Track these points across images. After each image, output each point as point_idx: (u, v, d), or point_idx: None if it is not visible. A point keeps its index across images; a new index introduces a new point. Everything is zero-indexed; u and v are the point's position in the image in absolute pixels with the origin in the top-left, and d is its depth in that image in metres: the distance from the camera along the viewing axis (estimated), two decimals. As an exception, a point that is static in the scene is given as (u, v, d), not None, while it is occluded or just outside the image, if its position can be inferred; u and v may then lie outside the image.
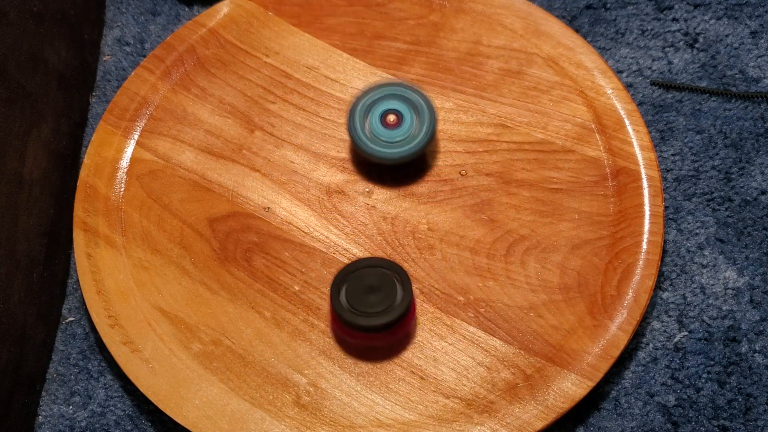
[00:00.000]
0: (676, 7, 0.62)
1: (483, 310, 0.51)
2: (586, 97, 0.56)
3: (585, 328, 0.50)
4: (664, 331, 0.53)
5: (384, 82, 0.53)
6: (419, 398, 0.49)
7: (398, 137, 0.52)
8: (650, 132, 0.58)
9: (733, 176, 0.56)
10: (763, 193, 0.56)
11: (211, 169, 0.55)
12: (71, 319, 0.55)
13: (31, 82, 0.53)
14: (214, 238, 0.53)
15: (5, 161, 0.49)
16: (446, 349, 0.50)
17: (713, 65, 0.60)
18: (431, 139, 0.52)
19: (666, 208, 0.56)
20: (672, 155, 0.57)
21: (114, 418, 0.52)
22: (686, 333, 0.52)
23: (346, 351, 0.49)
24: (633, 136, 0.54)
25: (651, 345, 0.52)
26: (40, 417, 0.52)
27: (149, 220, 0.54)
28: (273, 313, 0.51)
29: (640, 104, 0.59)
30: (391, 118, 0.52)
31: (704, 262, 0.54)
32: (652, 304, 0.53)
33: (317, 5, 0.60)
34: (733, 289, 0.53)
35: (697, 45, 0.61)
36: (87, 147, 0.58)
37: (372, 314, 0.46)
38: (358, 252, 0.53)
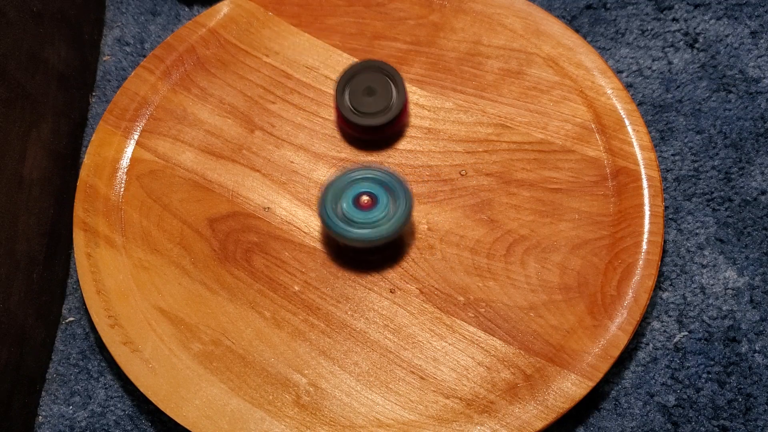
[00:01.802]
0: (676, 7, 0.62)
1: (483, 310, 0.51)
2: (586, 97, 0.56)
3: (585, 328, 0.50)
4: (664, 331, 0.53)
5: (356, 166, 0.51)
6: (419, 398, 0.49)
7: (373, 218, 0.49)
8: (650, 132, 0.58)
9: (733, 176, 0.56)
10: (763, 193, 0.56)
11: (211, 169, 0.55)
12: (71, 319, 0.55)
13: (31, 82, 0.53)
14: (214, 238, 0.53)
15: (5, 161, 0.49)
16: (446, 349, 0.50)
17: (713, 65, 0.60)
18: (408, 217, 0.49)
19: (666, 208, 0.56)
20: (672, 155, 0.57)
21: (114, 418, 0.52)
22: (686, 333, 0.52)
23: (349, 143, 0.55)
24: (633, 136, 0.54)
25: (651, 345, 0.52)
26: (40, 417, 0.52)
27: (149, 220, 0.54)
28: (273, 313, 0.51)
29: (640, 104, 0.59)
30: (365, 199, 0.49)
31: (704, 262, 0.54)
32: (652, 304, 0.53)
33: (317, 5, 0.60)
34: (733, 289, 0.53)
35: (697, 45, 0.61)
36: (87, 147, 0.58)
37: (372, 114, 0.53)
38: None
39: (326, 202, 0.49)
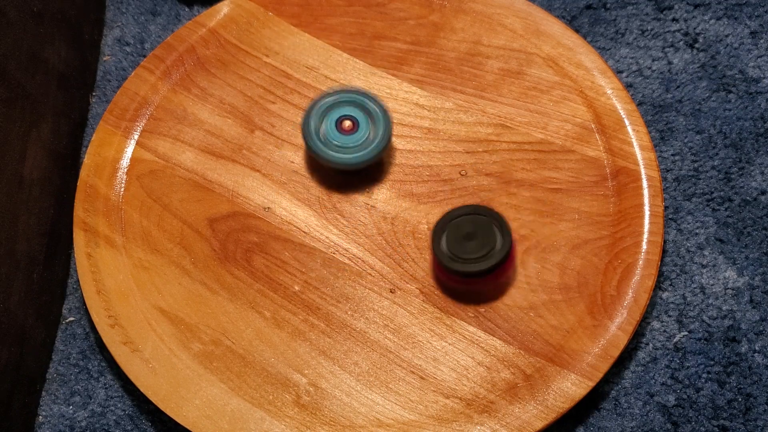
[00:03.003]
0: (676, 7, 0.62)
1: (483, 310, 0.51)
2: (586, 97, 0.56)
3: (585, 328, 0.50)
4: (664, 331, 0.53)
5: (339, 88, 0.53)
6: (419, 398, 0.49)
7: (351, 143, 0.52)
8: (650, 132, 0.58)
9: (733, 176, 0.56)
10: (763, 193, 0.56)
11: (211, 169, 0.55)
12: (71, 319, 0.55)
13: (31, 82, 0.53)
14: (214, 238, 0.53)
15: (5, 161, 0.50)
16: (446, 349, 0.50)
17: (713, 65, 0.60)
18: (386, 145, 0.52)
19: (666, 208, 0.56)
20: (672, 155, 0.57)
21: (114, 418, 0.52)
22: (686, 333, 0.52)
23: (446, 294, 0.51)
24: (633, 136, 0.54)
25: (651, 345, 0.52)
26: (40, 417, 0.52)
27: (149, 220, 0.54)
28: (273, 313, 0.51)
29: (640, 104, 0.59)
30: (347, 123, 0.52)
31: (704, 262, 0.54)
32: (652, 304, 0.53)
33: (317, 5, 0.60)
34: (733, 289, 0.53)
35: (697, 45, 0.61)
36: (87, 147, 0.58)
37: (472, 260, 0.48)
38: (358, 252, 0.53)
39: (309, 124, 0.52)
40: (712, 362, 0.51)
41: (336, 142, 0.52)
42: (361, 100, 0.52)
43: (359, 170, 0.54)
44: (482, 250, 0.48)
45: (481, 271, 0.48)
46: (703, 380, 0.51)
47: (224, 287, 0.52)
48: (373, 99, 0.52)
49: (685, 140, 0.58)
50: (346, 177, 0.55)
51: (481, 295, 0.51)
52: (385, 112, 0.52)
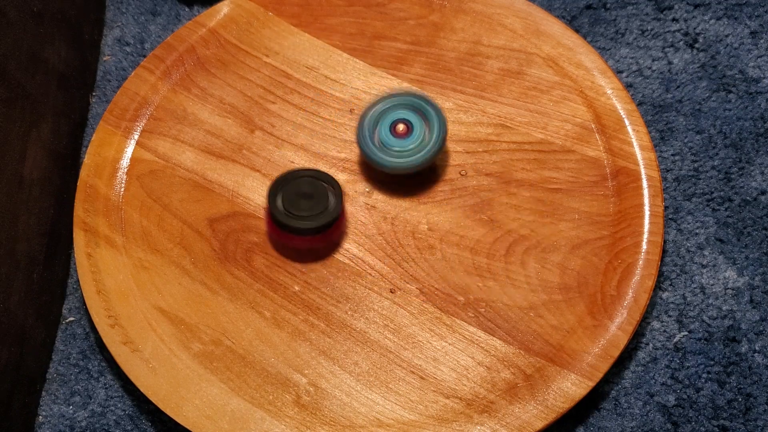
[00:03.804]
0: (676, 7, 0.62)
1: (483, 310, 0.51)
2: (586, 97, 0.56)
3: (585, 328, 0.50)
4: (664, 331, 0.53)
5: (393, 92, 0.53)
6: (419, 398, 0.49)
7: (408, 146, 0.51)
8: (650, 132, 0.58)
9: (733, 176, 0.56)
10: (763, 193, 0.56)
11: (211, 169, 0.55)
12: (71, 319, 0.55)
13: (31, 82, 0.53)
14: (214, 238, 0.53)
15: (5, 161, 0.50)
16: (446, 349, 0.50)
17: (713, 65, 0.60)
18: (441, 147, 0.52)
19: (666, 208, 0.56)
20: (672, 155, 0.57)
21: (114, 418, 0.52)
22: (686, 333, 0.52)
23: (282, 254, 0.52)
24: (633, 136, 0.54)
25: (651, 345, 0.52)
26: (40, 417, 0.52)
27: (149, 220, 0.54)
28: (273, 313, 0.51)
29: (640, 104, 0.59)
30: (401, 127, 0.51)
31: (704, 262, 0.54)
32: (652, 304, 0.53)
33: (317, 5, 0.60)
34: (733, 289, 0.53)
35: (697, 45, 0.61)
36: (87, 147, 0.58)
37: (305, 218, 0.50)
38: (358, 252, 0.53)
39: (364, 130, 0.51)
40: (712, 362, 0.51)
41: (392, 147, 0.51)
42: (414, 101, 0.52)
43: (414, 173, 0.53)
44: (315, 209, 0.50)
45: (312, 228, 0.50)
46: (703, 380, 0.51)
47: (224, 287, 0.52)
48: (426, 100, 0.52)
49: (685, 140, 0.58)
50: (398, 179, 0.54)
51: (479, 299, 0.51)
52: (439, 112, 0.51)
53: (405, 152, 0.51)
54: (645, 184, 0.53)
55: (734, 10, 0.62)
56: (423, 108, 0.52)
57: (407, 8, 0.59)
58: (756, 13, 0.61)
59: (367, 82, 0.57)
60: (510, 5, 0.59)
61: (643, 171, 0.53)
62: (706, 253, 0.54)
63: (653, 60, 0.60)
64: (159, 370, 0.49)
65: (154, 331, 0.51)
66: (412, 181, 0.54)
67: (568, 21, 0.62)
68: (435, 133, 0.51)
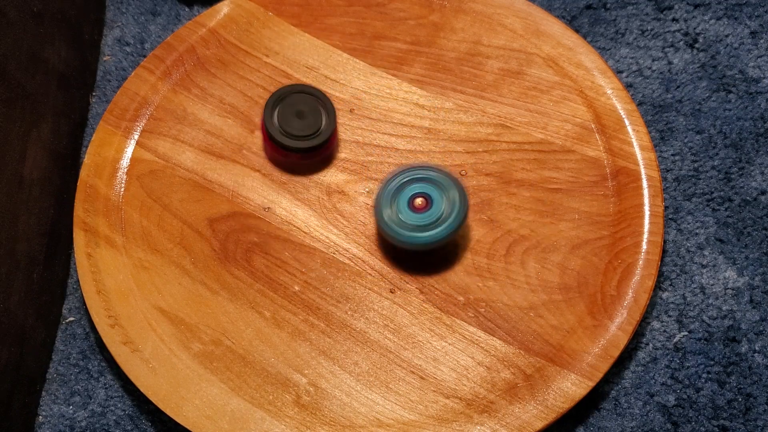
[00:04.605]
0: (676, 7, 0.62)
1: (483, 310, 0.51)
2: (586, 97, 0.56)
3: (585, 328, 0.50)
4: (664, 331, 0.53)
5: (409, 165, 0.51)
6: (419, 398, 0.49)
7: (428, 221, 0.49)
8: (650, 132, 0.58)
9: (733, 176, 0.56)
10: (763, 193, 0.56)
11: (211, 169, 0.55)
12: (71, 319, 0.55)
13: (31, 82, 0.53)
14: (214, 238, 0.53)
15: (5, 161, 0.50)
16: (446, 349, 0.50)
17: (713, 65, 0.60)
18: (463, 221, 0.49)
19: (666, 208, 0.56)
20: (672, 155, 0.57)
21: (114, 418, 0.52)
22: (686, 333, 0.52)
23: (277, 168, 0.54)
24: (633, 136, 0.54)
25: (651, 345, 0.52)
26: (40, 417, 0.52)
27: (149, 220, 0.54)
28: (273, 313, 0.51)
29: (640, 104, 0.59)
30: (419, 201, 0.49)
31: (704, 262, 0.54)
32: (652, 304, 0.53)
33: (317, 5, 0.60)
34: (733, 289, 0.53)
35: (697, 45, 0.61)
36: (87, 147, 0.58)
37: (301, 137, 0.52)
38: (358, 252, 0.53)
39: (381, 205, 0.49)
40: (712, 362, 0.51)
41: (409, 222, 0.49)
42: (429, 174, 0.50)
43: (435, 249, 0.51)
44: (310, 129, 0.52)
45: (309, 147, 0.52)
46: (703, 380, 0.51)
47: (224, 287, 0.52)
48: (441, 170, 0.50)
49: (685, 140, 0.58)
50: (426, 254, 0.52)
51: (479, 299, 0.51)
52: (456, 181, 0.49)
53: (425, 226, 0.49)
54: (645, 184, 0.53)
55: (734, 10, 0.62)
56: (442, 181, 0.49)
57: (407, 8, 0.59)
58: (756, 13, 0.61)
59: (367, 82, 0.57)
60: (510, 5, 0.59)
61: (643, 171, 0.53)
62: (706, 253, 0.54)
63: (653, 60, 0.60)
64: (159, 370, 0.49)
65: (154, 331, 0.51)
66: (412, 181, 0.54)
67: (568, 21, 0.62)
68: (456, 204, 0.49)
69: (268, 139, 0.53)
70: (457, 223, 0.49)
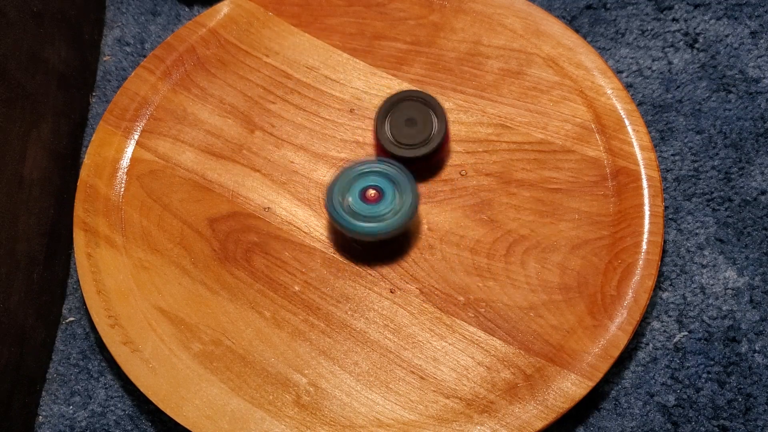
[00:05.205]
0: (676, 7, 0.62)
1: (483, 310, 0.51)
2: (586, 97, 0.56)
3: (585, 328, 0.50)
4: (664, 331, 0.53)
5: (363, 160, 0.51)
6: (419, 398, 0.49)
7: (379, 212, 0.49)
8: (650, 132, 0.58)
9: (733, 176, 0.56)
10: (763, 193, 0.56)
11: (211, 169, 0.55)
12: (71, 319, 0.55)
13: (31, 82, 0.53)
14: (214, 238, 0.53)
15: (5, 161, 0.50)
16: (446, 349, 0.50)
17: (713, 65, 0.60)
18: (414, 212, 0.50)
19: (666, 208, 0.56)
20: (672, 155, 0.57)
21: (114, 418, 0.52)
22: (686, 333, 0.52)
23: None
24: (633, 136, 0.54)
25: (651, 345, 0.52)
26: (40, 417, 0.52)
27: (149, 220, 0.54)
28: (273, 313, 0.51)
29: (640, 104, 0.59)
30: (371, 193, 0.50)
31: (704, 262, 0.54)
32: (652, 304, 0.53)
33: (317, 5, 0.60)
34: (733, 289, 0.53)
35: (697, 45, 0.61)
36: (87, 147, 0.58)
37: (412, 146, 0.52)
38: (358, 252, 0.53)
39: (333, 195, 0.50)
40: (712, 362, 0.51)
41: (361, 213, 0.49)
42: (386, 169, 0.50)
43: (386, 241, 0.52)
44: (421, 136, 0.52)
45: (419, 156, 0.52)
46: (703, 380, 0.51)
47: (224, 287, 0.52)
48: (398, 167, 0.50)
49: (685, 140, 0.58)
50: (373, 249, 0.53)
51: (479, 299, 0.51)
52: (410, 179, 0.50)
53: (376, 217, 0.49)
54: (645, 184, 0.53)
55: (734, 10, 0.62)
56: (394, 175, 0.50)
57: (407, 8, 0.59)
58: (756, 13, 0.61)
59: (367, 82, 0.57)
60: (510, 5, 0.59)
61: (643, 171, 0.53)
62: (706, 253, 0.54)
63: (653, 60, 0.60)
64: (159, 370, 0.49)
65: (154, 331, 0.51)
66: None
67: (568, 21, 0.62)
68: (407, 197, 0.49)
69: (382, 150, 0.53)
70: (405, 218, 0.49)
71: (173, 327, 0.51)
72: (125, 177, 0.55)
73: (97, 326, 0.51)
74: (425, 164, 0.54)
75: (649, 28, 0.61)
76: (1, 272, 0.48)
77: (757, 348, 0.52)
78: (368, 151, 0.56)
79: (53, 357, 0.54)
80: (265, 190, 0.55)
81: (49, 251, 0.54)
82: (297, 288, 0.52)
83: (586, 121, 0.55)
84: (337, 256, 0.53)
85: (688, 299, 0.53)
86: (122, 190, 0.55)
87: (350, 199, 0.50)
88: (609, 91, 0.56)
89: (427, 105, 0.53)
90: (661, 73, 0.60)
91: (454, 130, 0.56)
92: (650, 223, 0.52)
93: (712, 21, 0.61)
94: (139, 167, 0.55)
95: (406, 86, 0.57)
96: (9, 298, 0.49)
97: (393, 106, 0.53)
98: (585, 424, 0.51)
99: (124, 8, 0.64)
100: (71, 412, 0.52)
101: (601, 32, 0.61)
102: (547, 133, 0.55)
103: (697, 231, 0.55)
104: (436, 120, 0.53)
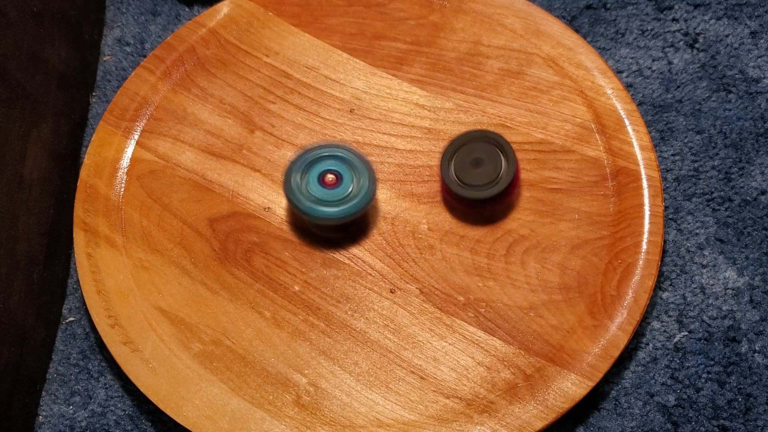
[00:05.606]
0: (676, 7, 0.62)
1: (483, 310, 0.51)
2: (586, 97, 0.56)
3: (585, 328, 0.50)
4: (664, 331, 0.53)
5: (318, 143, 0.51)
6: (419, 398, 0.49)
7: (338, 196, 0.49)
8: (650, 132, 0.58)
9: (733, 176, 0.56)
10: (763, 193, 0.56)
11: (211, 169, 0.55)
12: (71, 319, 0.55)
13: (31, 82, 0.53)
14: (214, 238, 0.53)
15: (5, 161, 0.50)
16: (446, 349, 0.50)
17: (713, 65, 0.60)
18: (372, 195, 0.50)
19: (666, 208, 0.56)
20: (672, 155, 0.57)
21: (114, 418, 0.52)
22: (686, 333, 0.52)
23: (453, 215, 0.52)
24: (633, 136, 0.54)
25: (651, 345, 0.52)
26: (40, 417, 0.52)
27: (149, 220, 0.54)
28: (273, 313, 0.51)
29: (640, 104, 0.59)
30: (330, 177, 0.50)
31: (704, 262, 0.54)
32: (652, 304, 0.53)
33: (317, 5, 0.60)
34: (733, 289, 0.53)
35: (697, 45, 0.61)
36: (87, 147, 0.58)
37: (479, 186, 0.51)
38: (358, 252, 0.53)
39: (291, 181, 0.50)
40: (712, 362, 0.51)
41: (319, 196, 0.49)
42: (344, 154, 0.50)
43: (343, 226, 0.52)
44: (488, 177, 0.50)
45: (486, 198, 0.50)
46: (703, 380, 0.51)
47: (224, 287, 0.52)
48: (355, 153, 0.50)
49: (685, 140, 0.58)
50: (331, 233, 0.53)
51: (479, 299, 0.51)
52: (368, 165, 0.50)
53: (335, 202, 0.49)
54: (645, 184, 0.53)
55: (734, 10, 0.62)
56: (351, 159, 0.50)
57: (407, 8, 0.59)
58: (756, 13, 0.61)
59: (367, 82, 0.57)
60: (510, 5, 0.59)
61: (643, 171, 0.53)
62: (706, 253, 0.54)
63: (653, 60, 0.60)
64: (159, 370, 0.49)
65: (154, 331, 0.51)
66: (412, 181, 0.54)
67: (568, 21, 0.62)
68: (364, 181, 0.49)
69: (447, 192, 0.52)
70: (362, 204, 0.49)
71: (173, 327, 0.51)
72: (125, 177, 0.55)
73: (97, 326, 0.51)
74: (495, 207, 0.52)
75: (649, 28, 0.61)
76: (1, 272, 0.48)
77: (757, 348, 0.52)
78: (368, 151, 0.56)
79: (53, 357, 0.54)
80: (265, 190, 0.55)
81: (49, 251, 0.54)
82: (297, 288, 0.52)
83: (586, 121, 0.55)
84: (337, 256, 0.53)
85: (688, 299, 0.53)
86: (122, 190, 0.55)
87: (309, 184, 0.50)
88: (609, 91, 0.56)
89: (495, 145, 0.51)
90: (661, 73, 0.60)
91: (454, 129, 0.56)
92: (650, 223, 0.52)
93: (712, 21, 0.61)
94: (139, 167, 0.55)
95: (406, 86, 0.57)
96: (9, 298, 0.49)
97: (460, 146, 0.51)
98: (585, 424, 0.51)
99: (124, 8, 0.64)
100: (71, 412, 0.52)
101: (601, 32, 0.61)
102: (547, 133, 0.55)
103: (697, 231, 0.55)
104: (504, 160, 0.51)
